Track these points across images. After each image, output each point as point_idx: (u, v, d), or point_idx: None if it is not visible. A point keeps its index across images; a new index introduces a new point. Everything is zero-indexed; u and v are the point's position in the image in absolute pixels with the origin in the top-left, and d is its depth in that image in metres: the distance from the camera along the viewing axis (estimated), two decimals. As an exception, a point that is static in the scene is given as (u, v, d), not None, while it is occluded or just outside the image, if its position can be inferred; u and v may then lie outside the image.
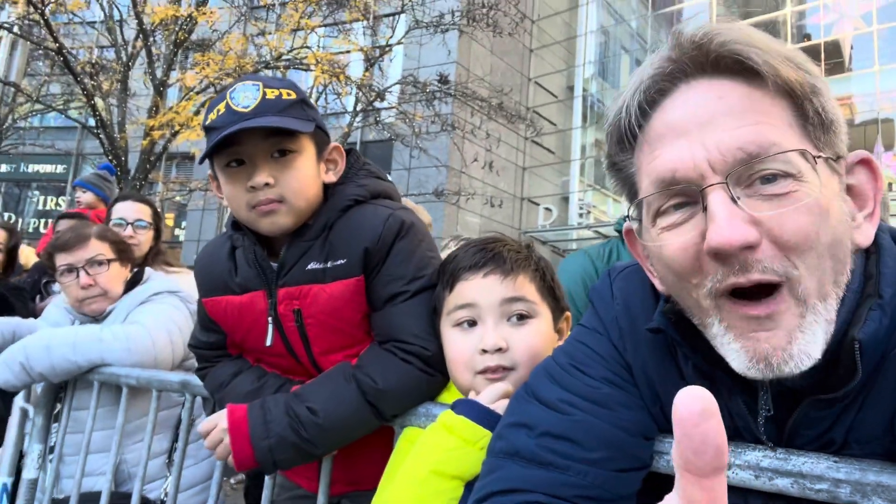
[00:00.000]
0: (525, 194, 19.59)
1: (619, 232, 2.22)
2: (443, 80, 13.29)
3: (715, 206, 0.73)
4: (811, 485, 0.78)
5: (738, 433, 0.85)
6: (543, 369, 0.99)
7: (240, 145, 1.32)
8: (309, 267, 1.37)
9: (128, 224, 2.90)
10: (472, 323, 1.23)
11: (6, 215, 21.42)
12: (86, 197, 4.61)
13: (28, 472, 2.17)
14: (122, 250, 2.34)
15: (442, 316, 1.28)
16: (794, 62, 0.76)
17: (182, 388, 1.80)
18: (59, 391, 2.21)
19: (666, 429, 0.90)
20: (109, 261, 2.26)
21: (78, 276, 2.20)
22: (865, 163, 0.80)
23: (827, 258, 0.73)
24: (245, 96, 1.32)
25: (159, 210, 3.16)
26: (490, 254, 1.25)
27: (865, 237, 0.77)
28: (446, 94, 13.44)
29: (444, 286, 1.29)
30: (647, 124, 0.82)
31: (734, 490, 0.84)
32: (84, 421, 2.11)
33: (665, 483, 0.87)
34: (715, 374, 0.82)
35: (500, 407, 1.10)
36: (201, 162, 1.37)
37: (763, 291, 0.73)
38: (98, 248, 2.25)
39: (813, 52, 19.27)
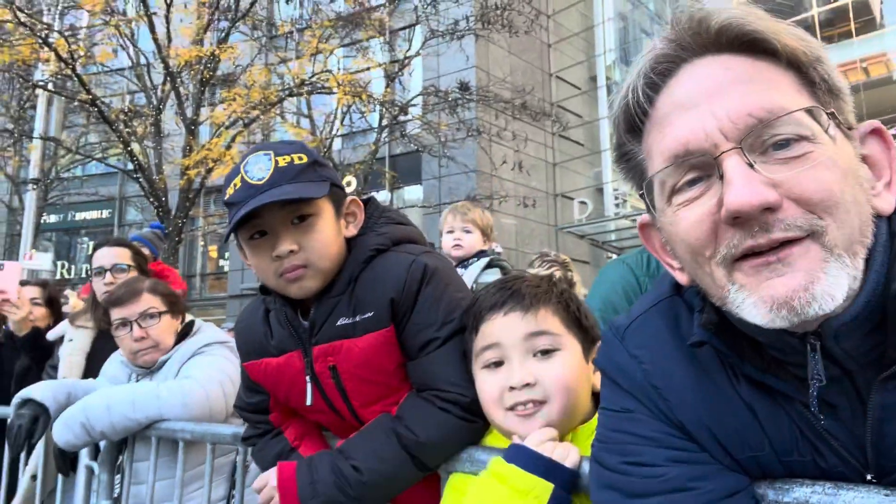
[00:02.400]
0: (558, 190, 19.43)
1: None
2: (463, 86, 13.33)
3: (731, 171, 0.71)
4: (863, 520, 0.76)
5: (811, 445, 0.79)
6: (600, 482, 0.89)
7: (259, 218, 1.34)
8: (339, 323, 1.39)
9: (105, 270, 2.88)
10: (499, 363, 1.23)
11: (59, 263, 22.26)
12: (144, 251, 4.77)
13: (98, 528, 2.25)
14: (173, 303, 2.43)
15: (472, 359, 1.28)
16: (795, 33, 0.76)
17: (235, 441, 1.85)
18: (121, 445, 2.29)
19: (750, 474, 0.85)
20: (161, 313, 2.35)
21: (131, 329, 2.30)
22: (877, 132, 0.77)
23: (854, 215, 0.71)
24: (258, 168, 1.34)
25: (140, 250, 3.09)
26: (509, 291, 1.25)
27: (887, 204, 0.74)
28: (468, 99, 13.47)
29: (470, 329, 1.29)
30: (654, 108, 0.80)
31: None
32: (144, 472, 2.18)
33: None
34: (767, 381, 0.79)
35: (547, 451, 1.09)
36: (226, 240, 1.41)
37: (781, 248, 0.71)
38: (150, 302, 2.34)
39: (841, 13, 18.64)
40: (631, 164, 0.87)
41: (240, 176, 1.36)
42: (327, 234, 1.40)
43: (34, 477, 2.54)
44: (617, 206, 19.61)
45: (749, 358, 0.80)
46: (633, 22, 21.63)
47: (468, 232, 3.22)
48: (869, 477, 0.78)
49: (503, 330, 1.22)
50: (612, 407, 0.92)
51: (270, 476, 1.39)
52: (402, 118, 13.77)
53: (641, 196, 0.84)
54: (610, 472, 0.88)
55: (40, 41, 11.39)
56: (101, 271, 2.88)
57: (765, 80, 0.74)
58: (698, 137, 0.74)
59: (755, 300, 0.72)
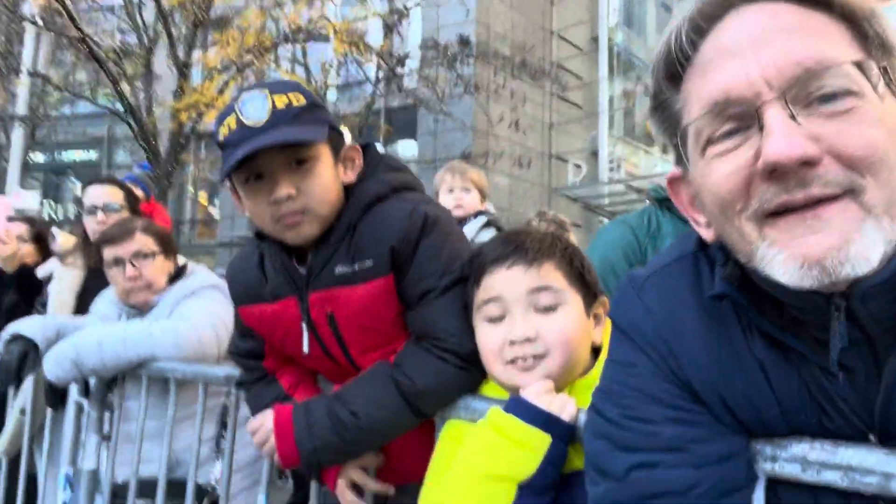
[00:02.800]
0: (553, 152, 19.28)
1: (656, 199, 2.16)
2: (463, 41, 13.06)
3: (772, 121, 0.69)
4: (861, 478, 0.76)
5: (819, 406, 0.79)
6: (595, 431, 0.90)
7: (256, 160, 1.31)
8: (337, 270, 1.37)
9: (97, 209, 2.84)
10: (501, 316, 1.22)
11: (45, 203, 22.00)
12: (137, 192, 4.71)
13: (87, 463, 2.27)
14: (167, 244, 2.42)
15: (473, 311, 1.28)
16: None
17: (227, 382, 1.85)
18: (111, 383, 2.29)
19: (753, 432, 0.84)
20: (154, 253, 2.35)
21: (124, 268, 2.28)
22: None
23: None
24: (254, 108, 1.29)
25: (133, 190, 3.04)
26: (513, 245, 1.23)
27: None
28: (467, 55, 13.21)
29: (472, 282, 1.28)
30: (697, 53, 0.77)
31: (831, 491, 0.80)
32: (134, 410, 2.19)
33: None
34: (785, 340, 0.78)
35: (544, 403, 1.10)
36: (220, 182, 1.37)
37: (817, 205, 0.69)
38: (143, 242, 2.34)
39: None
40: (666, 113, 0.84)
41: (234, 116, 1.31)
42: (326, 179, 1.36)
43: (23, 411, 2.55)
44: (611, 170, 19.53)
45: (769, 316, 0.79)
46: (638, -17, 21.18)
47: (468, 191, 3.24)
48: (871, 438, 0.78)
49: (506, 284, 1.21)
50: (618, 359, 0.91)
51: (266, 418, 1.39)
52: (399, 71, 13.51)
53: (675, 146, 0.81)
54: (607, 422, 0.88)
55: (28, -28, 11.00)
56: (93, 210, 2.85)
57: (815, 30, 0.72)
58: (741, 85, 0.71)
59: (786, 257, 0.70)
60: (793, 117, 0.69)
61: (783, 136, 0.68)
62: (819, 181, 0.68)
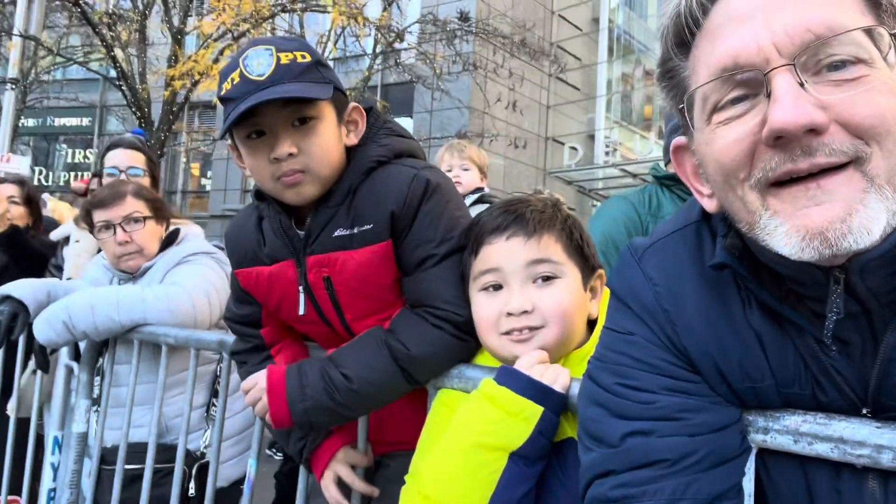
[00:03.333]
0: (550, 133, 19.23)
1: (657, 177, 2.16)
2: (463, 17, 12.92)
3: (780, 88, 0.68)
4: (852, 450, 0.77)
5: (813, 378, 0.79)
6: (590, 398, 0.89)
7: (259, 116, 1.29)
8: (336, 234, 1.36)
9: (121, 172, 2.80)
10: (498, 287, 1.22)
11: (36, 170, 21.77)
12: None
13: (77, 426, 2.27)
14: (158, 208, 2.38)
15: (469, 281, 1.27)
16: None
17: (219, 348, 1.85)
18: (102, 347, 2.29)
19: (746, 404, 0.85)
20: (146, 218, 2.31)
21: (115, 232, 2.26)
22: None
23: None
24: (259, 63, 1.27)
25: (154, 158, 3.03)
26: (512, 215, 1.22)
27: None
28: (467, 31, 13.09)
29: (469, 251, 1.27)
30: (707, 18, 0.75)
31: (822, 463, 0.80)
32: (125, 375, 2.18)
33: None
34: (783, 311, 0.78)
35: (537, 373, 1.10)
36: (222, 137, 1.35)
37: (821, 175, 0.69)
38: (134, 206, 2.30)
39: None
40: (674, 81, 0.82)
41: (238, 70, 1.29)
42: (328, 139, 1.35)
43: (35, 371, 2.54)
44: (607, 154, 19.51)
45: (767, 287, 0.79)
46: (641, -36, 20.97)
47: (466, 170, 3.25)
48: (865, 411, 0.79)
49: (504, 255, 1.20)
50: (616, 328, 0.91)
51: (259, 378, 1.39)
52: (397, 45, 13.36)
53: (681, 111, 0.80)
54: (602, 390, 0.88)
55: (21, -69, 10.76)
56: (115, 173, 2.82)
57: None
58: (750, 51, 0.70)
59: (788, 228, 0.70)
60: (802, 84, 0.68)
61: (790, 103, 0.67)
62: (824, 149, 0.68)
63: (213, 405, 2.32)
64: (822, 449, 0.80)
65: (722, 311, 0.83)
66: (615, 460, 0.83)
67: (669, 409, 0.82)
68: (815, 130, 0.67)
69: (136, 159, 2.88)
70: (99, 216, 2.27)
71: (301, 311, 1.42)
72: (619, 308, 0.91)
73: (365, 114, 1.45)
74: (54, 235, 3.20)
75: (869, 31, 0.69)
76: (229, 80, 1.30)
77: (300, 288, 1.41)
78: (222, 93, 1.31)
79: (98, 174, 3.93)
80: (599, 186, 18.87)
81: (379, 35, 12.99)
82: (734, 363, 0.82)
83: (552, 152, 19.17)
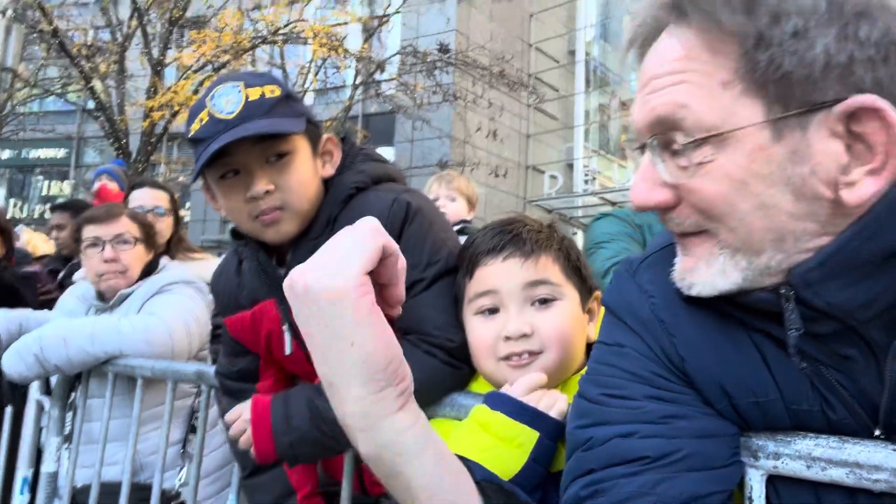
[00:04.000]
0: (529, 162, 19.38)
1: None
2: (443, 49, 13.09)
3: (641, 165, 0.76)
4: (868, 475, 0.74)
5: (821, 395, 0.76)
6: (576, 413, 0.87)
7: (231, 155, 1.24)
8: None
9: (146, 211, 2.83)
10: (494, 310, 1.17)
11: (10, 202, 21.43)
12: (112, 185, 4.61)
13: (47, 466, 2.17)
14: (149, 234, 2.37)
15: (464, 304, 1.23)
16: (742, 1, 0.66)
17: (198, 379, 1.77)
18: (74, 380, 2.20)
19: (745, 425, 0.81)
20: (136, 240, 2.28)
21: (103, 249, 2.21)
22: (873, 110, 0.65)
23: (756, 220, 0.69)
24: (227, 101, 1.24)
25: (175, 196, 3.12)
26: (509, 236, 1.18)
27: (856, 196, 0.66)
28: (447, 63, 13.25)
29: (463, 273, 1.23)
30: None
31: (836, 488, 0.77)
32: (98, 409, 2.10)
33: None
34: (771, 330, 0.77)
35: (533, 399, 1.05)
36: (193, 181, 1.31)
37: (686, 235, 0.77)
38: (127, 226, 2.28)
39: None
40: None
41: (206, 109, 1.25)
42: (305, 173, 1.31)
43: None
44: (586, 182, 19.70)
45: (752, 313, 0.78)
46: (615, -2, 21.48)
47: (453, 200, 3.23)
48: (877, 433, 0.76)
49: (501, 276, 1.16)
50: (606, 340, 0.89)
51: (244, 409, 1.33)
52: (378, 76, 13.47)
53: None
54: (588, 402, 0.86)
55: (-1, -37, 10.74)
56: (140, 211, 2.80)
57: (689, 71, 0.70)
58: (635, 121, 0.76)
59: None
60: (656, 163, 0.74)
61: (639, 183, 0.76)
62: (673, 222, 0.76)
63: (190, 441, 2.23)
64: (836, 474, 0.76)
65: (720, 325, 0.80)
66: (594, 460, 0.80)
67: (654, 413, 0.80)
68: (667, 206, 0.75)
69: (160, 198, 2.93)
70: (90, 231, 2.23)
71: (287, 351, 1.37)
72: (613, 322, 0.90)
73: (340, 143, 1.42)
74: (78, 276, 3.16)
75: (707, 128, 0.70)
76: (198, 119, 1.26)
77: (284, 327, 1.36)
78: (191, 133, 1.27)
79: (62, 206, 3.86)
80: (580, 214, 19.01)
81: (359, 66, 13.10)
82: (736, 377, 0.79)
83: (532, 181, 19.31)
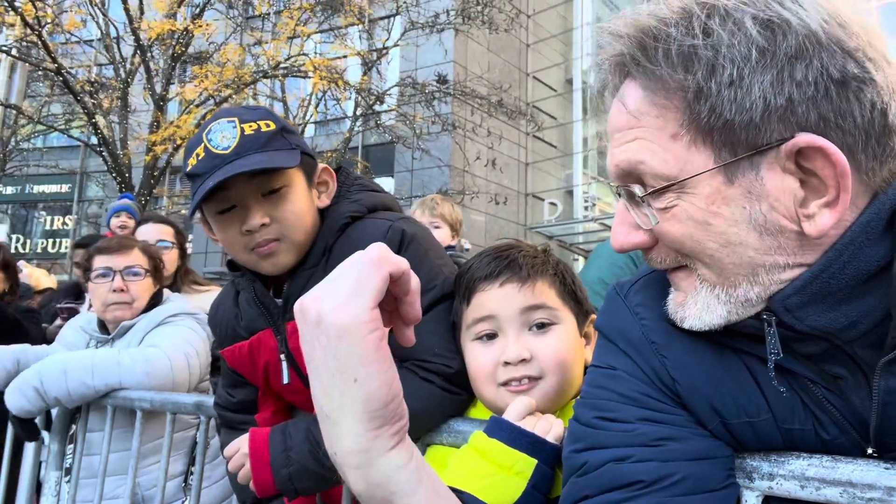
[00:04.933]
0: (529, 190, 19.50)
1: None
2: (441, 79, 13.27)
3: (617, 210, 0.81)
4: (862, 494, 0.74)
5: (812, 415, 0.77)
6: (571, 437, 0.89)
7: (227, 190, 1.26)
8: None
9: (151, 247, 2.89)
10: (493, 335, 1.18)
11: (14, 237, 21.52)
12: (131, 222, 4.69)
13: (46, 500, 2.15)
14: (158, 269, 2.40)
15: (462, 330, 1.23)
16: (681, 56, 0.69)
17: (197, 410, 1.77)
18: (74, 413, 2.19)
19: (739, 446, 0.82)
20: (146, 272, 2.31)
21: (113, 279, 2.23)
22: (817, 149, 0.67)
23: (724, 256, 0.73)
24: (223, 136, 1.26)
25: (181, 229, 3.17)
26: (505, 261, 1.19)
27: (816, 228, 0.68)
28: (445, 93, 13.41)
29: (460, 299, 1.24)
30: None
31: None
32: (97, 443, 2.09)
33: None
34: (758, 353, 0.78)
35: (528, 424, 1.05)
36: (191, 216, 1.32)
37: (673, 270, 0.81)
38: (139, 259, 2.31)
39: None
40: None
41: (203, 145, 1.27)
42: (300, 205, 1.33)
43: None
44: (586, 209, 19.77)
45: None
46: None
47: (437, 227, 3.19)
48: (870, 451, 0.76)
49: (498, 302, 1.17)
50: (599, 364, 0.91)
51: (242, 443, 1.32)
52: (377, 107, 13.62)
53: None
54: (582, 426, 0.87)
55: (6, 4, 10.94)
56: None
57: (642, 127, 0.74)
58: (611, 172, 0.80)
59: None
60: (630, 208, 0.78)
61: (617, 227, 0.81)
62: (654, 261, 0.81)
63: (192, 473, 2.21)
64: (830, 494, 0.76)
65: (711, 347, 0.82)
66: (588, 485, 0.81)
67: (648, 436, 0.81)
68: (645, 247, 0.80)
69: (165, 233, 3.00)
70: (100, 262, 2.26)
71: (285, 380, 1.37)
72: (605, 346, 0.91)
73: (335, 174, 1.44)
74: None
75: (663, 178, 0.74)
76: (194, 155, 1.28)
77: (282, 356, 1.37)
78: (188, 169, 1.29)
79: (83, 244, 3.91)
80: (580, 241, 19.04)
81: (359, 98, 13.25)
82: (727, 396, 0.80)
83: (532, 208, 19.40)
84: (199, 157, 1.27)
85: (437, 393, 1.23)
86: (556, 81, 20.78)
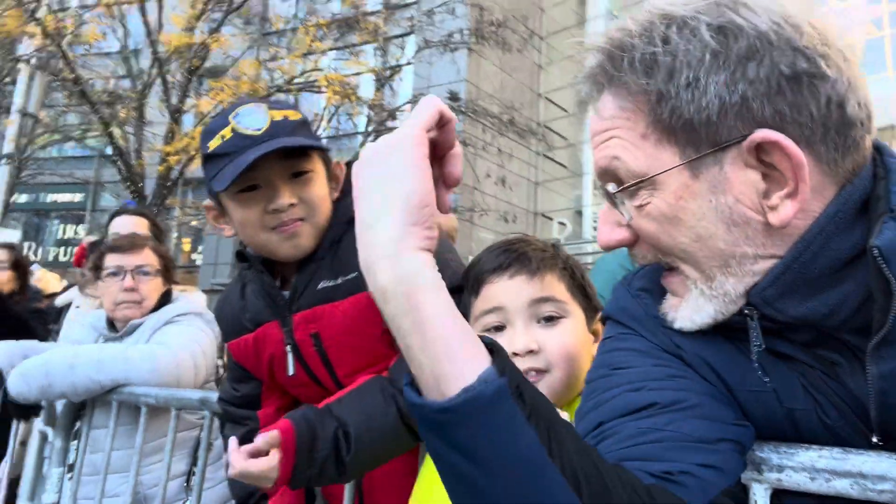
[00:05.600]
0: (538, 209, 19.51)
1: None
2: (453, 97, 13.36)
3: (603, 208, 0.84)
4: (873, 485, 0.73)
5: (813, 398, 0.78)
6: (584, 396, 0.89)
7: (256, 170, 1.27)
8: (321, 286, 1.33)
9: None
10: (501, 327, 1.18)
11: (25, 245, 21.70)
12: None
13: (47, 496, 2.15)
14: (168, 269, 2.41)
15: (470, 323, 1.23)
16: (643, 63, 0.75)
17: (202, 406, 1.77)
18: (80, 409, 2.19)
19: (746, 414, 0.81)
20: (157, 272, 2.33)
21: (124, 278, 2.24)
22: (773, 143, 0.71)
23: (696, 249, 0.76)
24: (253, 118, 1.28)
25: (160, 224, 3.13)
26: (515, 254, 1.19)
27: (779, 218, 0.72)
28: (457, 111, 13.50)
29: (469, 292, 1.24)
30: None
31: (842, 500, 0.76)
32: (101, 440, 2.08)
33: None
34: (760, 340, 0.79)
35: None
36: (224, 188, 1.25)
37: (667, 272, 0.84)
38: (150, 258, 2.33)
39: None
40: None
41: (230, 126, 1.28)
42: (322, 191, 1.36)
43: (24, 443, 2.45)
44: (595, 229, 19.77)
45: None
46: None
47: None
48: (875, 439, 0.76)
49: (507, 294, 1.17)
50: (608, 335, 0.93)
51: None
52: (389, 124, 13.72)
53: None
54: (595, 380, 0.88)
55: (27, 15, 11.15)
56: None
57: (616, 128, 0.79)
58: (595, 173, 0.84)
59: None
60: (614, 205, 0.81)
61: (601, 224, 0.84)
62: (637, 258, 0.84)
63: (195, 474, 2.20)
64: (840, 486, 0.75)
65: (712, 331, 0.83)
66: (603, 414, 0.81)
67: (661, 373, 0.83)
68: (629, 243, 0.82)
69: (140, 225, 2.95)
70: (112, 260, 2.28)
71: (290, 372, 1.37)
72: (612, 324, 0.94)
73: (344, 168, 1.46)
74: (59, 301, 3.18)
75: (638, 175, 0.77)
76: (218, 136, 1.29)
77: (287, 348, 1.37)
78: (210, 149, 1.29)
79: (101, 242, 3.92)
80: (589, 261, 18.99)
81: (372, 114, 13.36)
82: (733, 369, 0.82)
83: (541, 227, 19.39)
84: (225, 138, 1.28)
85: None
86: (567, 102, 20.86)
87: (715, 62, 0.71)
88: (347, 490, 1.42)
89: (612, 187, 0.80)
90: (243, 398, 1.53)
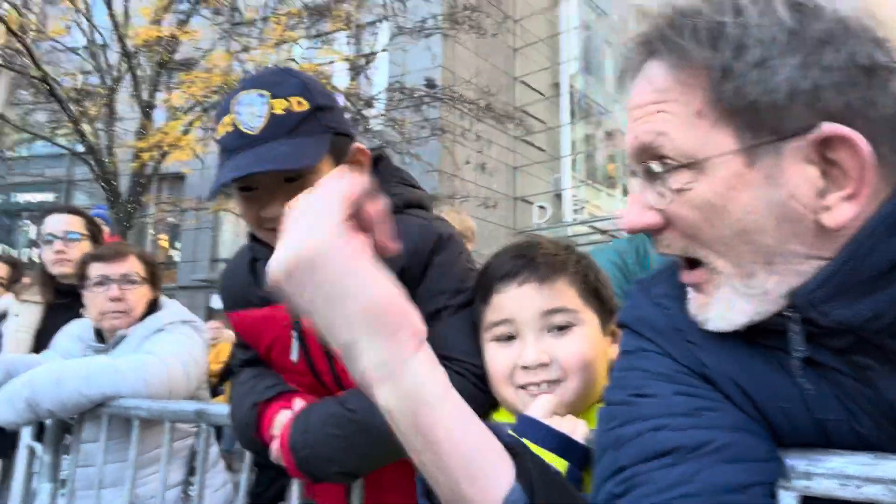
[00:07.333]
0: (518, 194, 19.52)
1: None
2: (430, 84, 13.25)
3: (631, 189, 0.79)
4: (907, 491, 0.72)
5: (844, 406, 0.75)
6: (603, 422, 0.84)
7: (250, 175, 1.23)
8: None
9: (56, 238, 2.69)
10: (511, 337, 1.16)
11: (-1, 247, 21.23)
12: (106, 230, 4.60)
13: (39, 514, 2.09)
14: (155, 275, 2.35)
15: (481, 332, 1.20)
16: (709, 33, 0.68)
17: (197, 419, 1.73)
18: (68, 424, 2.14)
19: (776, 431, 0.78)
20: (143, 280, 2.27)
21: (108, 288, 2.19)
22: (843, 139, 0.66)
23: (740, 244, 0.71)
24: (251, 113, 1.22)
25: (94, 218, 2.93)
26: (523, 260, 1.17)
27: (834, 220, 0.68)
28: (434, 98, 13.40)
29: (479, 299, 1.21)
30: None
31: None
32: (93, 454, 2.03)
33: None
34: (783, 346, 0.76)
35: (553, 424, 1.02)
36: (214, 195, 1.27)
37: (689, 266, 0.78)
38: (135, 266, 2.27)
39: None
40: None
41: (231, 116, 1.24)
42: None
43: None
44: (575, 211, 19.84)
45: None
46: (596, 32, 21.92)
47: None
48: None
49: (517, 304, 1.14)
50: (627, 348, 0.88)
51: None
52: (365, 112, 13.58)
53: None
54: (615, 406, 0.83)
55: (-12, 11, 10.81)
56: (52, 239, 2.70)
57: (667, 101, 0.73)
58: (627, 151, 0.79)
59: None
60: (645, 187, 0.76)
61: (629, 206, 0.78)
62: (662, 245, 0.78)
63: (191, 483, 2.17)
64: (872, 492, 0.74)
65: (738, 338, 0.79)
66: (625, 456, 0.76)
67: (684, 406, 0.77)
68: (656, 228, 0.77)
69: (74, 223, 2.76)
70: (97, 270, 2.21)
71: (293, 357, 1.35)
72: (630, 335, 0.89)
73: (369, 155, 1.40)
74: None
75: (687, 156, 0.72)
76: (223, 124, 1.25)
77: (293, 333, 1.34)
78: (218, 136, 1.27)
79: (35, 244, 3.75)
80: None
81: (348, 103, 13.20)
82: (759, 382, 0.77)
83: (521, 212, 19.41)
84: (228, 131, 1.24)
85: (470, 388, 1.20)
86: (543, 86, 20.84)
87: (790, 42, 0.65)
88: (355, 488, 1.40)
89: (656, 166, 0.74)
90: (252, 359, 1.52)
